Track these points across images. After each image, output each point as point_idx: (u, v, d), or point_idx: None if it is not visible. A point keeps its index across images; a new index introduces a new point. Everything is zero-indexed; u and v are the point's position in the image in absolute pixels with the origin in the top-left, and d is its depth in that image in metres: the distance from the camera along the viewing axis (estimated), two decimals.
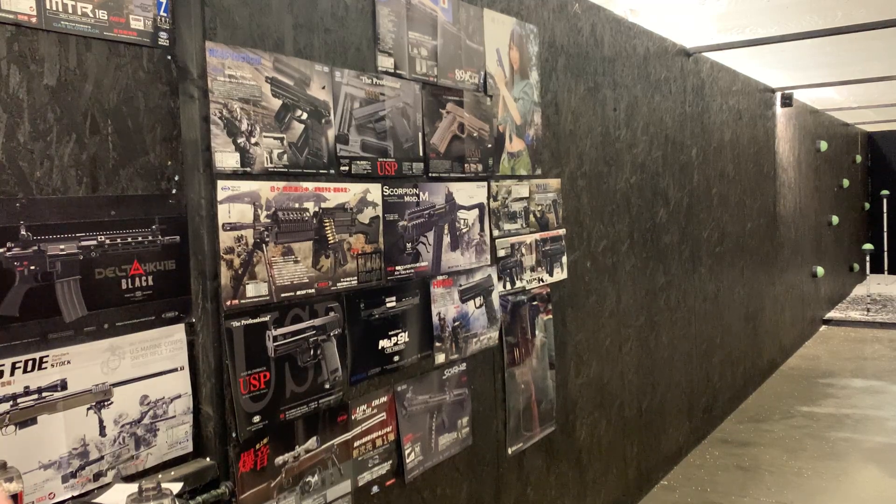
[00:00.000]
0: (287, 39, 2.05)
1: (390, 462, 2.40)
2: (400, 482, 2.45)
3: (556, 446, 3.36)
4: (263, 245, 1.96)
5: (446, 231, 2.64)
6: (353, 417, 2.25)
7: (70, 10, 1.56)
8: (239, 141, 1.90)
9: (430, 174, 2.57)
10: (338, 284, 2.19)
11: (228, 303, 1.87)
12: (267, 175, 1.97)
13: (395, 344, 2.42)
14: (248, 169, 1.92)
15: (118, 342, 1.65)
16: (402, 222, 2.44)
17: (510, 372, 3.01)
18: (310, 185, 2.09)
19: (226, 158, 1.86)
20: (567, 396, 3.45)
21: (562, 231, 3.38)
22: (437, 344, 2.60)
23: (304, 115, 2.09)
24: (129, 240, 1.67)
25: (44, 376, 1.52)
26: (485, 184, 2.85)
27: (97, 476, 1.61)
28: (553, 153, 3.32)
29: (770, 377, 6.70)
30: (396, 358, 2.42)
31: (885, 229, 12.02)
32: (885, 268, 12.06)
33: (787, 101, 6.84)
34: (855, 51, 5.29)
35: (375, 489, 2.34)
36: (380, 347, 2.36)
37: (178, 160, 1.79)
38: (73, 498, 1.57)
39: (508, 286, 2.99)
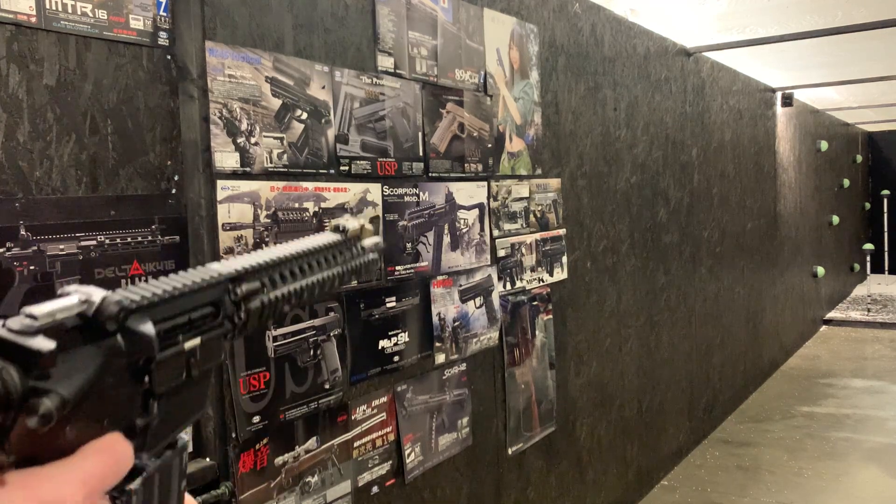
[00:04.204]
0: (287, 39, 2.05)
1: (390, 462, 2.40)
2: (400, 482, 2.45)
3: (556, 446, 3.36)
4: (263, 245, 1.96)
5: (446, 231, 2.64)
6: (353, 417, 2.25)
7: (69, 10, 1.56)
8: (239, 141, 1.89)
9: (430, 174, 2.57)
10: None
11: None
12: (267, 175, 1.97)
13: (395, 344, 2.42)
14: (248, 169, 1.92)
15: None
16: (402, 222, 2.44)
17: (510, 372, 3.01)
18: (310, 185, 2.09)
19: (226, 158, 1.86)
20: (567, 396, 3.45)
21: (562, 231, 3.38)
22: (437, 344, 2.60)
23: (304, 115, 2.09)
24: (129, 240, 1.67)
25: None
26: (485, 184, 2.85)
27: None
28: (553, 153, 3.32)
29: (770, 377, 6.70)
30: (396, 358, 2.42)
31: (886, 229, 12.02)
32: (886, 268, 12.06)
33: (788, 100, 6.84)
34: (855, 51, 5.29)
35: (375, 489, 2.34)
36: (380, 347, 2.36)
37: (178, 160, 1.79)
38: None
39: (508, 286, 2.99)
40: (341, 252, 0.70)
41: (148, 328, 0.48)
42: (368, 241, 0.73)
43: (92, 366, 0.46)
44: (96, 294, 0.47)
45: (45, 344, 0.43)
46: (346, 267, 0.70)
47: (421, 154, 2.52)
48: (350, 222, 0.71)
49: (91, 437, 0.46)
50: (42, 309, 0.45)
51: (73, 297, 0.47)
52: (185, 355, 0.52)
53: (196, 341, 0.53)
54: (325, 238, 0.69)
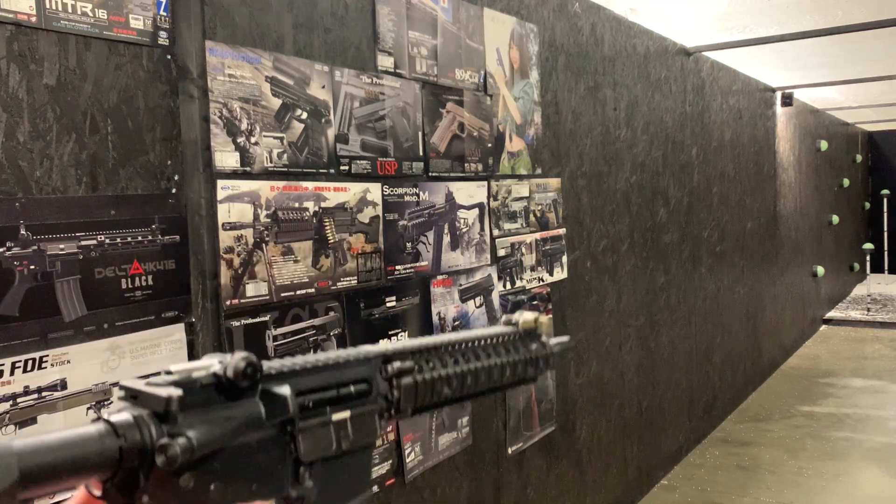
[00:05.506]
0: (287, 39, 2.05)
1: (390, 462, 2.40)
2: (400, 482, 2.45)
3: (556, 446, 3.36)
4: (263, 244, 1.96)
5: (446, 230, 2.64)
6: None
7: (70, 10, 1.56)
8: (239, 140, 1.90)
9: (430, 173, 2.57)
10: (338, 284, 2.19)
11: (228, 302, 1.86)
12: (267, 174, 1.97)
13: None
14: (248, 168, 1.92)
15: (118, 342, 1.65)
16: (402, 222, 2.44)
17: None
18: (310, 185, 2.09)
19: (225, 158, 1.86)
20: (567, 396, 3.45)
21: (562, 230, 3.38)
22: None
23: (304, 115, 2.09)
24: (129, 239, 1.67)
25: (43, 376, 1.52)
26: (485, 183, 2.85)
27: None
28: (553, 152, 3.32)
29: (770, 377, 6.70)
30: None
31: (886, 229, 12.02)
32: (886, 267, 12.05)
33: (788, 100, 6.84)
34: (855, 50, 5.29)
35: (375, 489, 2.34)
36: None
37: (178, 160, 1.79)
38: None
39: (508, 286, 2.99)
40: (513, 344, 0.69)
41: (283, 390, 0.49)
42: (555, 340, 0.74)
43: (228, 422, 0.46)
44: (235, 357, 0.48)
45: (173, 391, 0.44)
46: (517, 357, 0.69)
47: (421, 154, 2.52)
48: (523, 315, 0.71)
49: (240, 500, 0.46)
50: (179, 366, 0.46)
51: (213, 359, 0.48)
52: (334, 427, 0.52)
53: (345, 414, 0.53)
54: (493, 329, 0.69)
